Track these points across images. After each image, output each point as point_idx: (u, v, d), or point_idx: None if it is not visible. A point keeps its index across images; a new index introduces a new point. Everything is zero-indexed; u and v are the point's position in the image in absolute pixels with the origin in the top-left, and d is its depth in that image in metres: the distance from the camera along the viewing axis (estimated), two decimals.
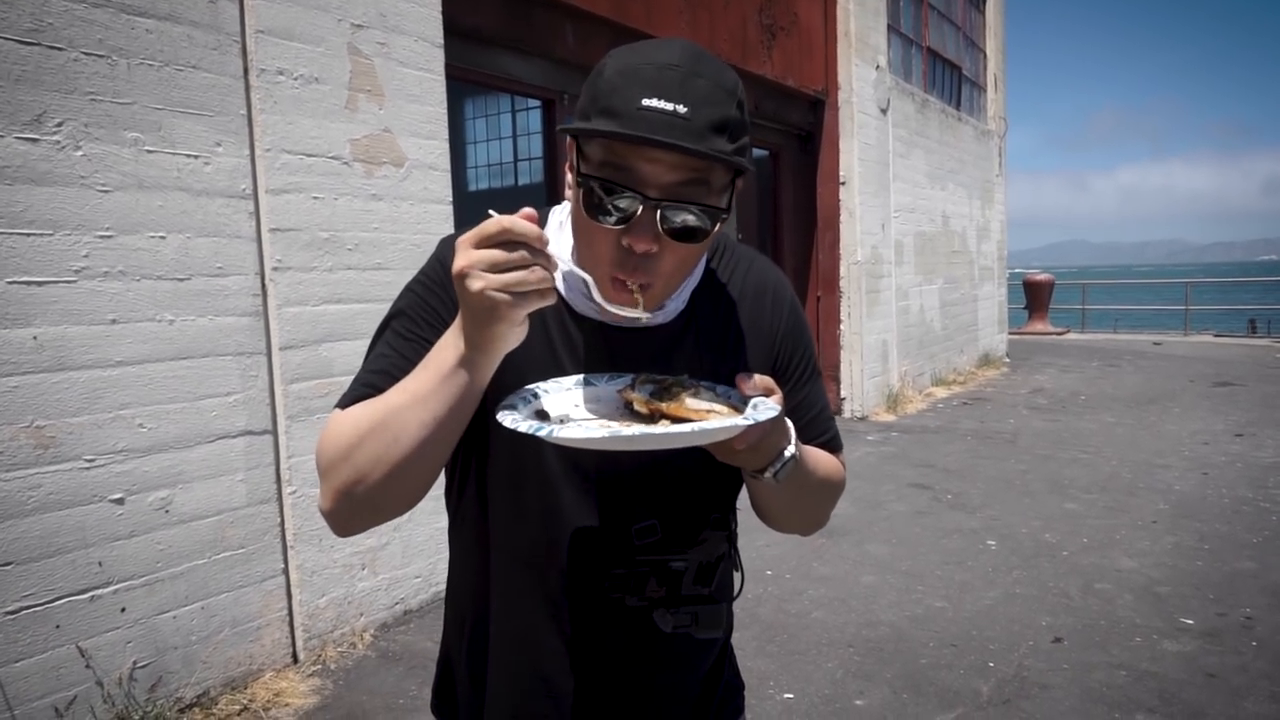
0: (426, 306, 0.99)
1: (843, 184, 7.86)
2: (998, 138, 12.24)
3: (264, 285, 3.13)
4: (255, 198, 3.10)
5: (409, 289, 1.02)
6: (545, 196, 5.43)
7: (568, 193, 0.95)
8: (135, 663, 2.76)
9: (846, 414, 8.01)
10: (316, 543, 3.31)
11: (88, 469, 2.64)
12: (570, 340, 1.00)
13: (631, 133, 0.84)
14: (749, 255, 1.11)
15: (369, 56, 3.49)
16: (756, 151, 7.88)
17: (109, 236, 2.68)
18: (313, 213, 3.29)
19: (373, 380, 0.95)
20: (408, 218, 3.67)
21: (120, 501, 2.72)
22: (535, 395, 0.94)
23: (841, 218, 7.89)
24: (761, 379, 0.92)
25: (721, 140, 0.86)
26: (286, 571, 3.22)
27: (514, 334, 0.82)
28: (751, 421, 0.84)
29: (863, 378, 8.03)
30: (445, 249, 1.01)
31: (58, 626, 2.57)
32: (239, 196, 3.04)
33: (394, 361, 0.95)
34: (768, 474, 0.94)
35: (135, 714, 2.70)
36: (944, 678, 3.13)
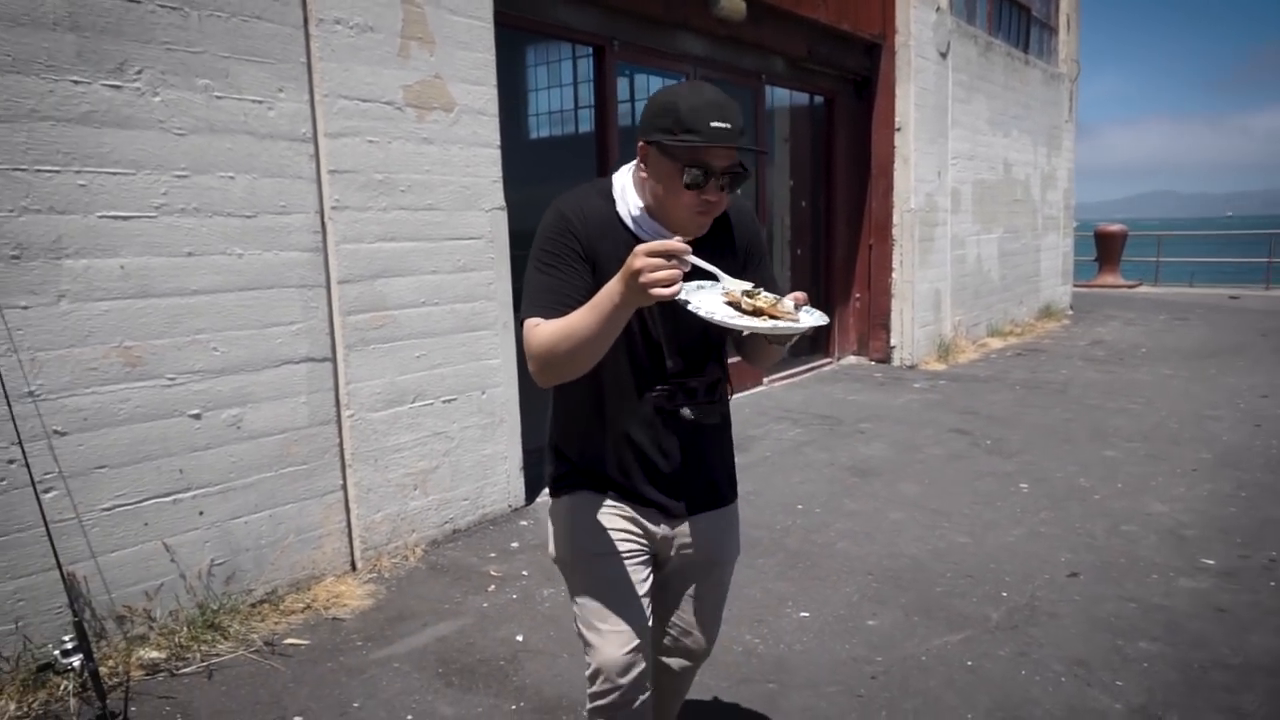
0: (569, 250, 1.61)
1: (898, 130, 7.79)
2: (1069, 81, 11.83)
3: (323, 223, 3.37)
4: (315, 141, 3.33)
5: (550, 238, 1.62)
6: (594, 143, 5.57)
7: (641, 175, 1.61)
8: (213, 560, 3.09)
9: (895, 362, 8.05)
10: (372, 463, 3.60)
11: (169, 387, 2.95)
12: None
13: (712, 144, 1.51)
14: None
15: (420, 5, 3.66)
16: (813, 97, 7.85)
17: (184, 176, 2.94)
18: (368, 155, 3.51)
19: (560, 299, 1.56)
20: (457, 161, 3.87)
21: (197, 417, 3.03)
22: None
23: (895, 164, 7.83)
24: (801, 294, 1.53)
25: (745, 139, 1.55)
26: (345, 488, 3.53)
27: (650, 301, 1.38)
28: (821, 323, 1.54)
29: (913, 326, 8.04)
30: (557, 215, 1.64)
31: (146, 524, 2.91)
32: (300, 140, 3.27)
33: (566, 286, 1.58)
34: (786, 345, 1.66)
35: (213, 604, 3.05)
36: (956, 604, 3.28)
